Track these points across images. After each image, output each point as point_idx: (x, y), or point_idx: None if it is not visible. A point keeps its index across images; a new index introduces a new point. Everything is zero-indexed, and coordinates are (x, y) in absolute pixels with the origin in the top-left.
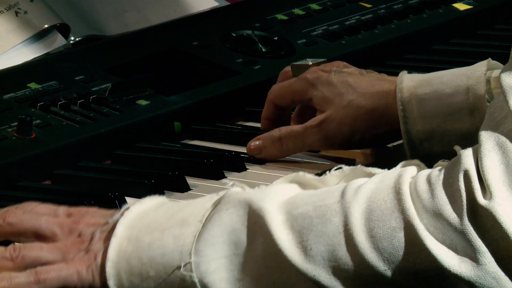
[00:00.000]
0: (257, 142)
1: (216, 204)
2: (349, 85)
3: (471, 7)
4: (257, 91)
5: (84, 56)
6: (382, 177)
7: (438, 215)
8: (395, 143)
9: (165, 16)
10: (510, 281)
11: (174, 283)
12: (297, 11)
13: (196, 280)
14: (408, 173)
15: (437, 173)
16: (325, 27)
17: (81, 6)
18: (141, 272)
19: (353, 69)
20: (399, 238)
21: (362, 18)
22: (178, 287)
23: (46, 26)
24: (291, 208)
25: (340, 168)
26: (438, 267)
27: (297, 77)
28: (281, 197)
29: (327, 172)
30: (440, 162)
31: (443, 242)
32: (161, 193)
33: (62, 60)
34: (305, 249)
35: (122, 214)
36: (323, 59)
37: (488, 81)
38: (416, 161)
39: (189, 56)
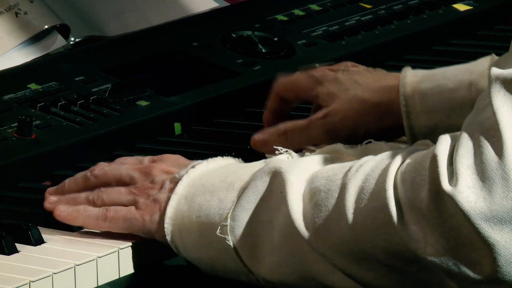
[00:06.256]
0: (262, 136)
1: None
2: (355, 81)
3: (471, 7)
4: (257, 91)
5: (84, 56)
6: (385, 156)
7: (408, 201)
8: (399, 139)
9: (165, 17)
10: (468, 267)
11: (213, 244)
12: (297, 11)
13: (231, 243)
14: (406, 154)
15: (412, 159)
16: (325, 28)
17: (81, 6)
18: (190, 230)
19: (360, 67)
20: (378, 219)
21: (362, 18)
22: (217, 248)
23: (46, 26)
24: (311, 181)
25: (370, 142)
26: (410, 249)
27: (304, 73)
28: (310, 169)
29: (358, 145)
30: (422, 141)
31: (412, 225)
32: None
33: (62, 61)
34: (312, 222)
35: (187, 172)
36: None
37: None
38: (427, 141)
39: (189, 57)
